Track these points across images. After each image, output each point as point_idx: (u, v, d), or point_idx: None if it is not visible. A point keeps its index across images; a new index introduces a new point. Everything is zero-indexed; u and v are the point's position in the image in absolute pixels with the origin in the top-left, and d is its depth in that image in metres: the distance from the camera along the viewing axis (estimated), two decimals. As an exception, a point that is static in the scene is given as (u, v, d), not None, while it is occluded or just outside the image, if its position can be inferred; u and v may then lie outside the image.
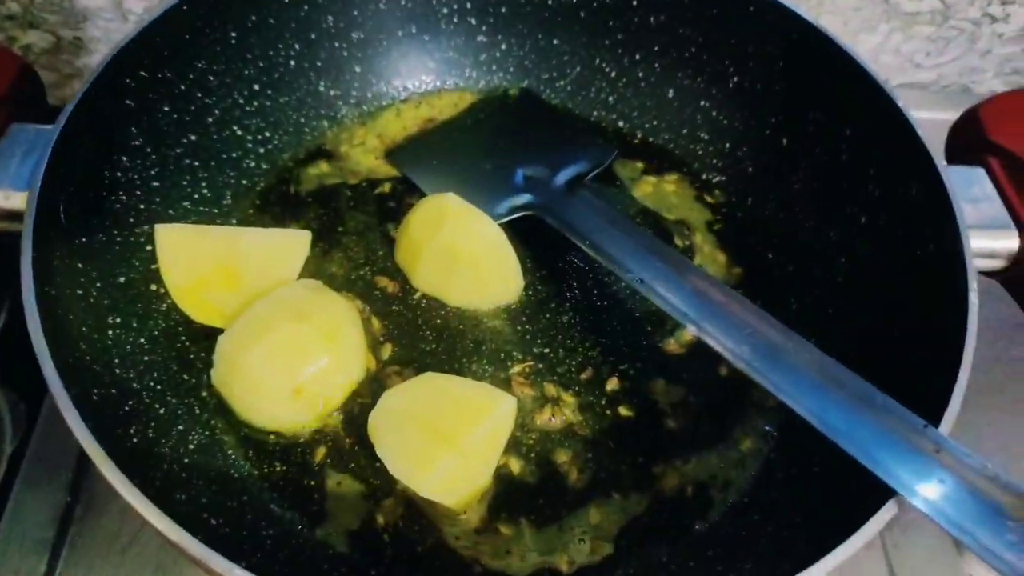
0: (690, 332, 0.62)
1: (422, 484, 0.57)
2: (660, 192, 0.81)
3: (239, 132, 0.77)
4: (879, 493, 0.49)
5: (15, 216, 0.57)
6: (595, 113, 0.86)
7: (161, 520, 0.45)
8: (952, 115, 0.91)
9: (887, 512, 0.48)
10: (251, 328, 0.62)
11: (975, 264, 0.58)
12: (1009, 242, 0.62)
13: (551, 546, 0.60)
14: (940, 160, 0.62)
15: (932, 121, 0.81)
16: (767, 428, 0.66)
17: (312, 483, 0.62)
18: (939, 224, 0.60)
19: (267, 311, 0.63)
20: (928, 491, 0.48)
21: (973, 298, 0.55)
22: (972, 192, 0.64)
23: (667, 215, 0.79)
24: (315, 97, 0.81)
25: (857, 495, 0.52)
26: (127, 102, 0.66)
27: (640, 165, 0.82)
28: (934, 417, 0.52)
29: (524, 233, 0.74)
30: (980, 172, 0.65)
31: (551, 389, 0.67)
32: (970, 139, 0.67)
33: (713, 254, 0.77)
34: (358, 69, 0.83)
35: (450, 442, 0.57)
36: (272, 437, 0.63)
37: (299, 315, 0.62)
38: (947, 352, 0.54)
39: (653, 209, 0.79)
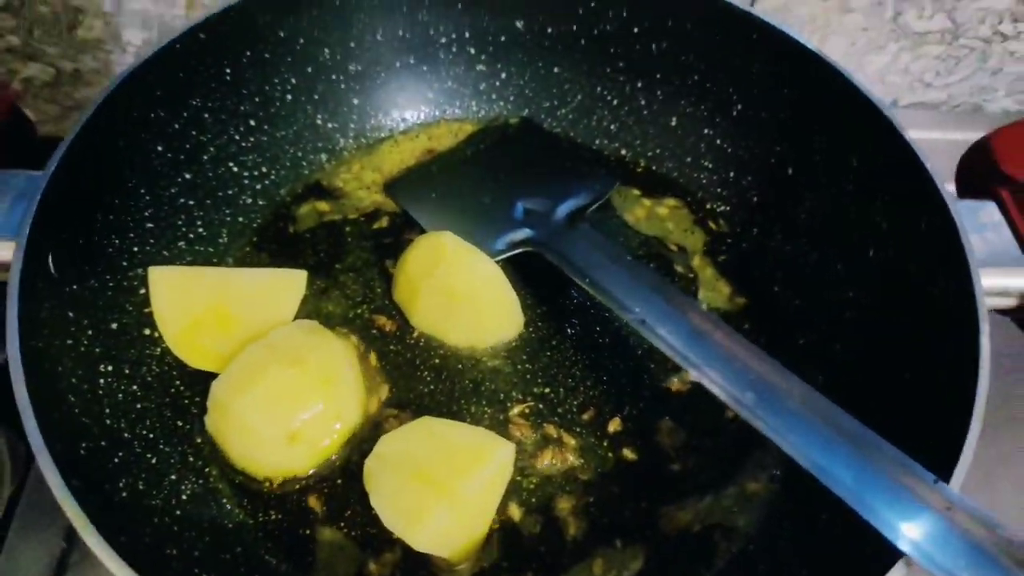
0: (692, 376, 0.60)
1: (415, 537, 0.56)
2: (659, 219, 0.79)
3: (235, 168, 0.76)
4: (887, 552, 0.48)
5: (4, 266, 0.56)
6: (597, 142, 0.85)
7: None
8: (963, 135, 0.89)
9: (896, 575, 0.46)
10: (245, 373, 0.61)
11: (987, 303, 0.57)
12: (1021, 279, 0.60)
13: (553, 599, 0.59)
14: (949, 191, 0.60)
15: (943, 142, 0.80)
16: (774, 471, 0.65)
17: (307, 532, 0.60)
18: (949, 260, 0.58)
19: (261, 355, 0.62)
20: (939, 553, 0.46)
21: (984, 342, 0.53)
22: (983, 226, 0.62)
23: (669, 244, 0.78)
24: (312, 131, 0.80)
25: (866, 551, 0.50)
26: (119, 143, 0.65)
27: (637, 192, 0.81)
28: (945, 468, 0.50)
29: (524, 268, 0.73)
30: (991, 206, 0.63)
31: (552, 430, 0.66)
32: (980, 171, 0.65)
33: (716, 284, 0.76)
34: (356, 101, 0.82)
35: (445, 491, 0.56)
36: (267, 485, 0.62)
37: (294, 359, 0.61)
38: (958, 398, 0.53)
39: (654, 238, 0.78)
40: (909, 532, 0.47)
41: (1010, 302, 0.60)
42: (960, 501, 0.47)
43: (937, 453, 0.51)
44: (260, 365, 0.61)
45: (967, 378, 0.52)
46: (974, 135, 0.81)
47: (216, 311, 0.65)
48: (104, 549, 0.45)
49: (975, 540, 0.46)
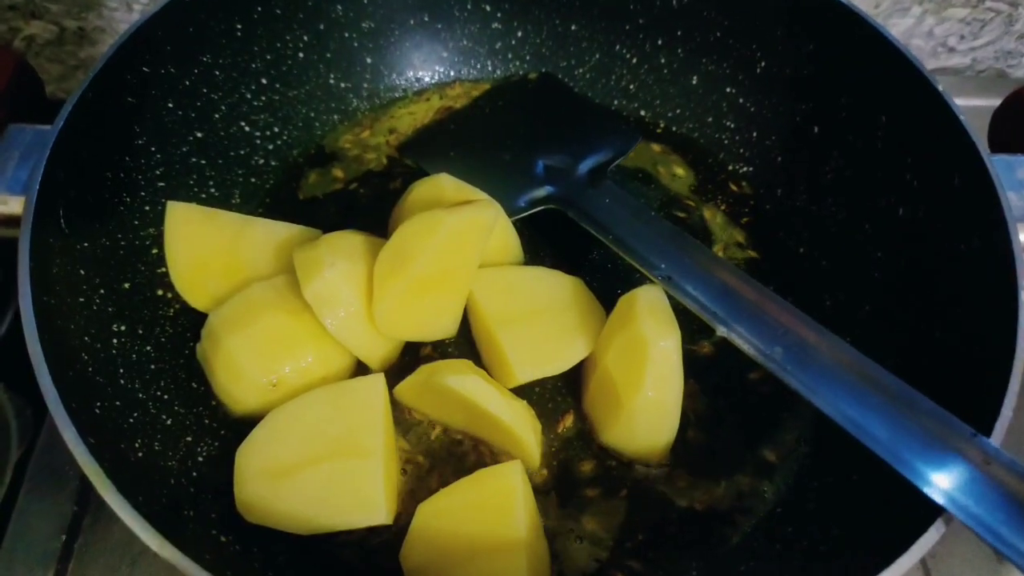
0: (719, 332, 0.59)
1: None
2: (680, 179, 0.78)
3: (247, 128, 0.74)
4: (923, 507, 0.46)
5: (13, 222, 0.55)
6: (616, 102, 0.83)
7: (163, 546, 0.43)
8: (988, 101, 0.87)
9: (934, 532, 0.45)
10: (243, 310, 0.61)
11: (1025, 258, 0.55)
12: (1060, 235, 0.58)
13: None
14: (983, 148, 0.59)
15: (968, 108, 0.77)
16: (800, 435, 0.63)
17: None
18: (984, 216, 0.57)
19: (262, 296, 0.61)
20: (977, 506, 0.45)
21: (1023, 297, 0.51)
22: (1019, 181, 0.60)
23: (689, 204, 0.76)
24: (325, 91, 0.78)
25: (899, 508, 0.49)
26: (129, 99, 0.63)
27: (658, 150, 0.80)
28: (984, 425, 0.49)
29: (544, 227, 0.71)
30: (1026, 160, 0.61)
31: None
32: (1014, 125, 0.63)
33: (739, 246, 0.74)
34: (369, 60, 0.80)
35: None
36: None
37: (292, 308, 0.60)
38: (996, 354, 0.51)
39: (676, 197, 0.76)
40: (945, 485, 0.46)
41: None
42: (998, 454, 0.46)
43: (975, 411, 0.49)
44: (259, 306, 0.60)
45: (1005, 333, 0.51)
46: (997, 101, 0.79)
47: (227, 255, 0.64)
48: (121, 505, 0.44)
49: (1014, 492, 0.45)
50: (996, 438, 0.47)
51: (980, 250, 0.57)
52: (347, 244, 0.62)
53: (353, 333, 0.60)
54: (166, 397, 0.60)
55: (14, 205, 0.55)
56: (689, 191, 0.77)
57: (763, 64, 0.75)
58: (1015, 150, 0.63)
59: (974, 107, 0.80)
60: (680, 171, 0.78)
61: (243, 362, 0.59)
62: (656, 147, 0.80)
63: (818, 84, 0.72)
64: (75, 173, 0.58)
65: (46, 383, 0.47)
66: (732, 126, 0.79)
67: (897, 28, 0.97)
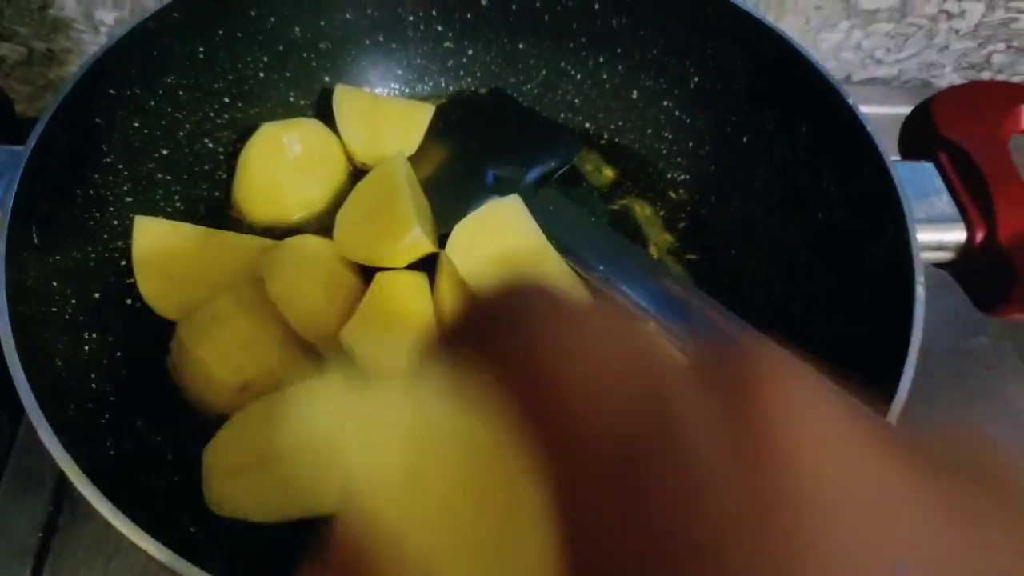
0: (652, 326, 0.64)
1: None
2: (622, 186, 0.84)
3: (211, 145, 0.78)
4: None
5: (-12, 238, 0.58)
6: (562, 115, 0.88)
7: (136, 533, 0.46)
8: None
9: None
10: (210, 321, 0.65)
11: (924, 256, 0.61)
12: (957, 235, 0.64)
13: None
14: (890, 155, 0.64)
15: (894, 115, 0.83)
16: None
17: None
18: (889, 218, 0.62)
19: (228, 307, 0.65)
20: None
21: (920, 290, 0.57)
22: (922, 187, 0.66)
23: (631, 209, 0.81)
24: (285, 107, 0.83)
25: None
26: (96, 120, 0.67)
27: (599, 159, 0.85)
28: (884, 402, 0.54)
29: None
30: (929, 167, 0.67)
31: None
32: (921, 134, 0.68)
33: (675, 249, 0.79)
34: (327, 79, 0.84)
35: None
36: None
37: (258, 315, 0.65)
38: (897, 342, 0.57)
39: (620, 206, 0.82)
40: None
41: (947, 255, 0.64)
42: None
43: (881, 390, 0.55)
44: (225, 315, 0.65)
45: (904, 322, 0.56)
46: (923, 109, 0.86)
47: (193, 266, 0.68)
48: (96, 496, 0.48)
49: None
50: (892, 416, 0.52)
51: (887, 249, 0.63)
52: (308, 246, 0.66)
53: (315, 328, 0.65)
54: (136, 399, 0.63)
55: (-13, 223, 0.59)
56: (630, 197, 0.82)
57: (696, 79, 0.81)
58: (921, 157, 0.68)
59: (901, 114, 0.85)
60: (622, 179, 0.84)
61: (212, 368, 0.63)
62: (598, 156, 0.85)
63: (746, 98, 0.77)
64: (46, 191, 0.61)
65: (23, 387, 0.51)
66: (670, 137, 0.84)
67: (828, 42, 1.03)
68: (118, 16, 0.92)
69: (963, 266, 0.64)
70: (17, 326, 0.53)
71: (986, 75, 1.10)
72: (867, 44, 1.03)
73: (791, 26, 1.00)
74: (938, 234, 0.64)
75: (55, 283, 0.61)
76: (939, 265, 0.65)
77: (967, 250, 0.63)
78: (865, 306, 0.64)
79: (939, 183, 0.66)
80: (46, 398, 0.52)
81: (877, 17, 1.00)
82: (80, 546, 0.68)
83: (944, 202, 0.65)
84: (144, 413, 0.63)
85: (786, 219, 0.74)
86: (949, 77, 1.09)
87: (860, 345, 0.63)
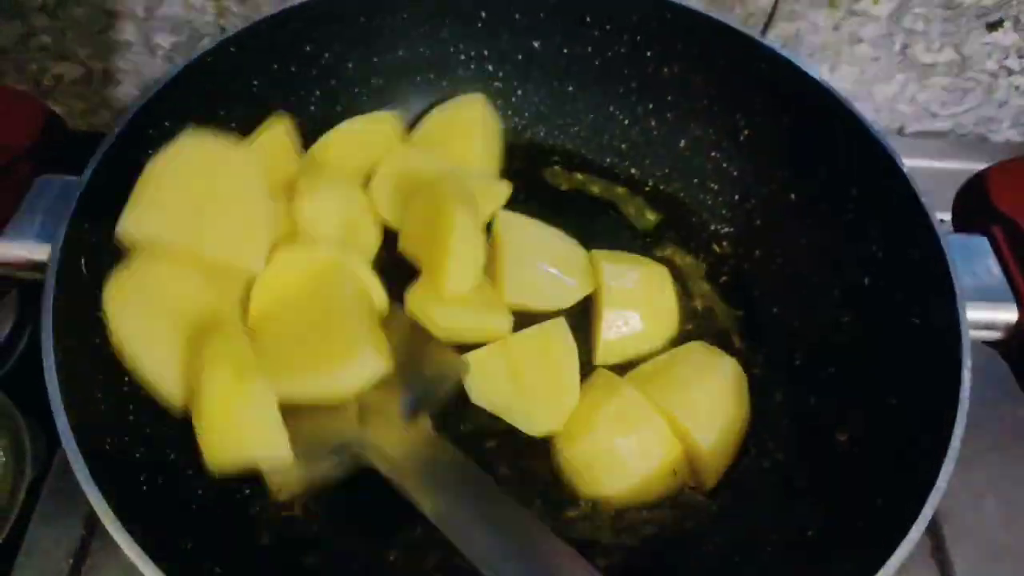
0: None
1: None
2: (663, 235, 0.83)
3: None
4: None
5: (39, 267, 0.59)
6: (608, 159, 0.88)
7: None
8: (968, 164, 0.91)
9: None
10: None
11: (973, 335, 0.59)
12: (1008, 315, 0.62)
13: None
14: (943, 226, 0.63)
15: (948, 171, 0.82)
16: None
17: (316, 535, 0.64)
18: (938, 292, 0.61)
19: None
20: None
21: (966, 375, 0.55)
22: (974, 262, 0.65)
23: (673, 260, 0.81)
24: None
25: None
26: (149, 152, 0.68)
27: (642, 204, 0.86)
28: (922, 492, 0.53)
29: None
30: (983, 241, 0.65)
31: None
32: (975, 206, 0.67)
33: (717, 303, 0.78)
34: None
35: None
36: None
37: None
38: (940, 426, 0.55)
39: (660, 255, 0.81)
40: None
41: (996, 334, 0.63)
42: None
43: (915, 479, 0.53)
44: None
45: (949, 406, 0.55)
46: (978, 165, 0.83)
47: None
48: (126, 539, 0.48)
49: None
50: (929, 508, 0.51)
51: (933, 324, 0.61)
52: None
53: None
54: (171, 433, 0.64)
55: (41, 253, 0.60)
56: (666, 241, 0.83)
57: (746, 132, 0.80)
58: (975, 229, 0.67)
59: (955, 170, 0.84)
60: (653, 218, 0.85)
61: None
62: (642, 200, 0.85)
63: (795, 154, 0.76)
64: (97, 223, 0.62)
65: (62, 424, 0.52)
66: (716, 188, 0.83)
67: (882, 94, 1.01)
68: (175, 41, 0.94)
69: (1011, 346, 0.62)
70: (60, 360, 0.55)
71: (1045, 132, 1.08)
72: (923, 97, 1.02)
73: (846, 76, 0.98)
74: (987, 313, 0.62)
75: (100, 315, 0.62)
76: (987, 343, 0.64)
77: (1017, 330, 0.62)
78: (907, 383, 0.62)
79: (992, 259, 0.64)
80: (83, 433, 0.53)
81: (935, 71, 0.98)
82: (111, 572, 0.68)
83: (996, 279, 0.64)
84: (178, 447, 0.64)
85: (831, 281, 0.73)
86: (1006, 133, 1.07)
87: (899, 423, 0.61)
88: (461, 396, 0.69)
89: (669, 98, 0.84)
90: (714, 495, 0.68)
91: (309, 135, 0.81)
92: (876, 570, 0.49)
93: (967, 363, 0.56)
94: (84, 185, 0.61)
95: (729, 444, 0.67)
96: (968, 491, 0.76)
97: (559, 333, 0.70)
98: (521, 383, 0.68)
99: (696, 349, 0.72)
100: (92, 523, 0.70)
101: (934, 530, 0.73)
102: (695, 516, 0.67)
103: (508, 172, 0.84)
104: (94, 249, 0.62)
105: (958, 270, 0.60)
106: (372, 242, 0.77)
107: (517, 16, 0.82)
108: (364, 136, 0.81)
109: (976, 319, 0.61)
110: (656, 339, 0.74)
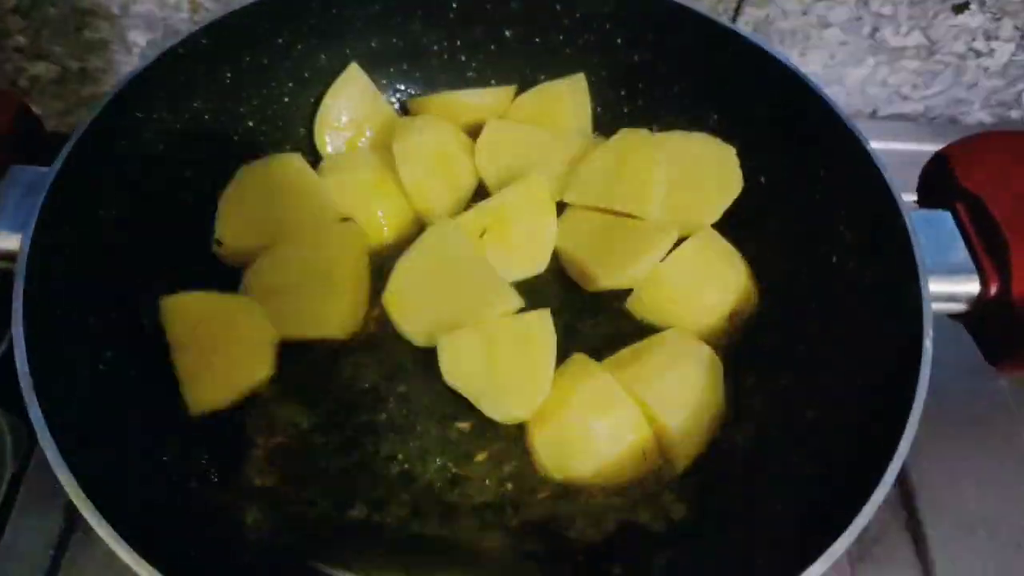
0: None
1: None
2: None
3: (232, 165, 0.79)
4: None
5: (10, 257, 0.60)
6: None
7: (139, 564, 0.48)
8: (938, 146, 0.92)
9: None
10: None
11: (936, 307, 0.60)
12: (970, 286, 0.63)
13: None
14: (907, 202, 0.64)
15: (919, 152, 0.82)
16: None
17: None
18: (902, 267, 0.62)
19: None
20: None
21: (928, 344, 0.56)
22: (937, 236, 0.65)
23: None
24: (309, 130, 0.84)
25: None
26: (122, 143, 0.69)
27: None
28: (887, 452, 0.53)
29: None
30: (946, 216, 0.66)
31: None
32: (939, 182, 0.68)
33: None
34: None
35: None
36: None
37: None
38: (903, 393, 0.56)
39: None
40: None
41: (960, 307, 0.64)
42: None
43: (880, 447, 0.54)
44: None
45: (910, 377, 0.56)
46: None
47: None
48: (101, 524, 0.49)
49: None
50: (898, 459, 0.52)
51: (898, 299, 0.62)
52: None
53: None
54: (148, 419, 0.65)
55: (11, 242, 0.60)
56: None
57: (715, 117, 0.81)
58: (939, 205, 0.68)
59: (926, 151, 0.84)
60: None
61: None
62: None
63: (764, 137, 0.77)
64: (70, 211, 0.63)
65: (35, 414, 0.52)
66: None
67: (853, 77, 1.02)
68: (151, 38, 0.95)
69: (975, 319, 0.63)
70: (33, 348, 0.55)
71: (1015, 114, 1.09)
72: (893, 80, 1.03)
73: (816, 60, 0.99)
74: (950, 285, 0.63)
75: (73, 302, 0.62)
76: (952, 316, 0.65)
77: (980, 303, 0.63)
78: (874, 358, 0.63)
79: (955, 233, 0.65)
80: (58, 421, 0.53)
81: (904, 55, 0.99)
82: (92, 563, 0.69)
83: (959, 253, 0.65)
84: (154, 433, 0.64)
85: (800, 264, 0.74)
86: (977, 115, 1.08)
87: (865, 397, 0.62)
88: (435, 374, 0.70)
89: (640, 85, 0.84)
90: (685, 477, 0.68)
91: (282, 127, 0.81)
92: (839, 534, 0.50)
93: (928, 332, 0.57)
94: (55, 174, 0.61)
95: (701, 429, 0.68)
96: (942, 464, 0.77)
97: (542, 324, 0.70)
98: (495, 368, 0.69)
99: (672, 337, 0.72)
100: (72, 515, 0.71)
101: (908, 502, 0.74)
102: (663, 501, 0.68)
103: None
104: (67, 236, 0.62)
105: (921, 244, 0.61)
106: (468, 179, 0.82)
107: (488, 6, 0.83)
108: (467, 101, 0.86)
109: (938, 291, 0.61)
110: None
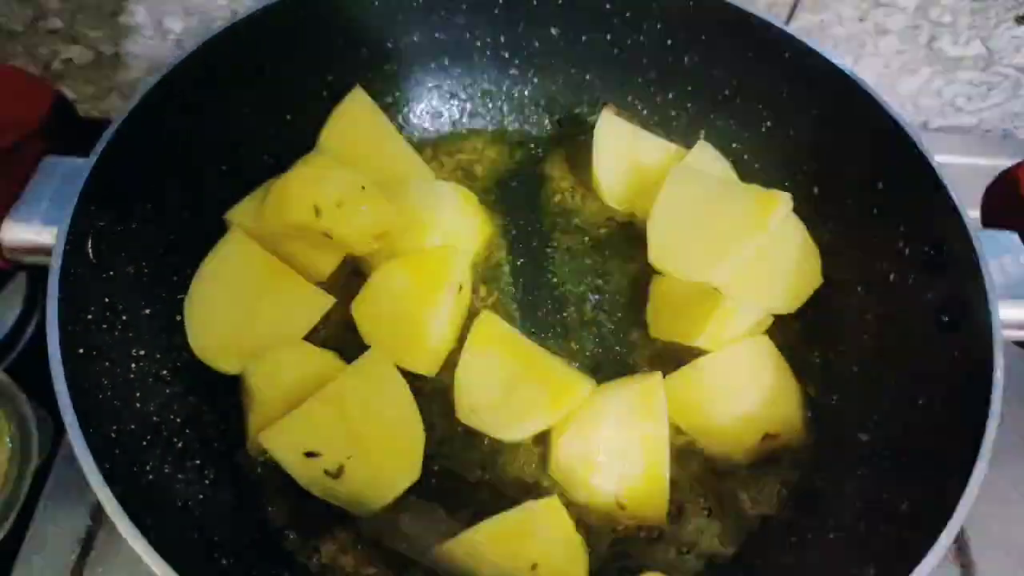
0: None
1: None
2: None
3: (270, 161, 0.77)
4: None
5: (46, 251, 0.58)
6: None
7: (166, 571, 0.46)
8: (992, 161, 0.89)
9: None
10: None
11: (1004, 334, 0.57)
12: (1040, 313, 0.60)
13: None
14: (973, 217, 0.61)
15: (971, 166, 0.80)
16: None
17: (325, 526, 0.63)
18: (967, 289, 0.59)
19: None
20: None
21: (999, 375, 0.53)
22: (1004, 258, 0.62)
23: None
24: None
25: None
26: (159, 137, 0.67)
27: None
28: (954, 492, 0.51)
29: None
30: (1014, 237, 0.63)
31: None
32: (1004, 202, 0.65)
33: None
34: (389, 100, 0.84)
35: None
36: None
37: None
38: (971, 428, 0.53)
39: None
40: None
41: (1025, 335, 0.61)
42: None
43: (944, 483, 0.52)
44: None
45: (979, 409, 0.53)
46: (1003, 162, 0.81)
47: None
48: (130, 529, 0.47)
49: None
50: (959, 515, 0.49)
51: (962, 322, 0.60)
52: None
53: None
54: (178, 420, 0.63)
55: (47, 236, 0.58)
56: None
57: (768, 123, 0.78)
58: (1005, 225, 0.65)
59: (979, 166, 0.82)
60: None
61: None
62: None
63: (820, 146, 0.75)
64: (105, 205, 0.61)
65: (67, 410, 0.51)
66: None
67: (906, 87, 0.99)
68: (186, 25, 0.93)
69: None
70: (66, 344, 0.53)
71: (1072, 130, 1.05)
72: (948, 91, 0.99)
73: (870, 69, 0.96)
74: (1020, 311, 0.60)
75: (106, 299, 0.61)
76: (1020, 344, 0.62)
77: (1048, 330, 0.60)
78: (935, 383, 0.60)
79: (1022, 255, 0.62)
80: (89, 419, 0.52)
81: (961, 65, 0.96)
82: (117, 562, 0.67)
83: (1026, 274, 0.62)
84: (184, 435, 0.63)
85: (855, 278, 0.71)
86: (1032, 130, 1.05)
87: (926, 424, 0.59)
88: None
89: (690, 88, 0.82)
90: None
91: (319, 121, 0.79)
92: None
93: (1000, 362, 0.54)
94: (92, 167, 0.59)
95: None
96: (993, 494, 0.74)
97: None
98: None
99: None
100: (98, 513, 0.69)
101: (959, 535, 0.71)
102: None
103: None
104: (101, 231, 0.60)
105: (988, 265, 0.58)
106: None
107: (535, 3, 0.80)
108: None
109: (1008, 318, 0.58)
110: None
